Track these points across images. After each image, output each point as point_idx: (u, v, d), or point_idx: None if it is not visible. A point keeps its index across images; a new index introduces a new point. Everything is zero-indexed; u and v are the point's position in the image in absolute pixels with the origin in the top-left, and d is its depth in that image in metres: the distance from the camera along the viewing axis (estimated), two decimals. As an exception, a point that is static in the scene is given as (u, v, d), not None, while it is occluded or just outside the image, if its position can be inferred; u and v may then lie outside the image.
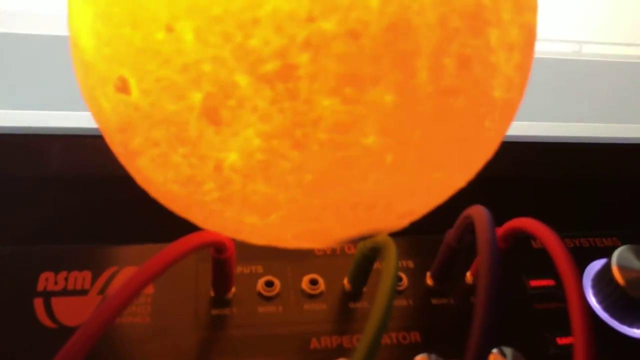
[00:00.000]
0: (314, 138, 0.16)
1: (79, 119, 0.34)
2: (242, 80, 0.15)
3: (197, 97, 0.16)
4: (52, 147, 0.32)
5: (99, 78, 0.18)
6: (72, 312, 0.27)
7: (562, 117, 0.46)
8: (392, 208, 0.19)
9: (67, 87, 0.32)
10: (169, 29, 0.16)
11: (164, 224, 0.24)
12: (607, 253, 0.33)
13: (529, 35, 0.19)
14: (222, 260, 0.26)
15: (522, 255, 0.33)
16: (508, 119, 0.21)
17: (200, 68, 0.15)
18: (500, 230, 0.27)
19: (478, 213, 0.23)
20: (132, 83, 0.17)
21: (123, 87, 0.17)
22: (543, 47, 0.45)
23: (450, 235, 0.29)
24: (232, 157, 0.17)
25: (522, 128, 0.44)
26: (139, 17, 0.16)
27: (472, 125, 0.18)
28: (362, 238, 0.21)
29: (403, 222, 0.21)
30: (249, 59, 0.15)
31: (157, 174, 0.19)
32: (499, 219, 0.26)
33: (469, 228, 0.25)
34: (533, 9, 0.19)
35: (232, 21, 0.15)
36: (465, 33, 0.16)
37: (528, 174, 0.41)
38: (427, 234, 0.31)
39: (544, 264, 0.31)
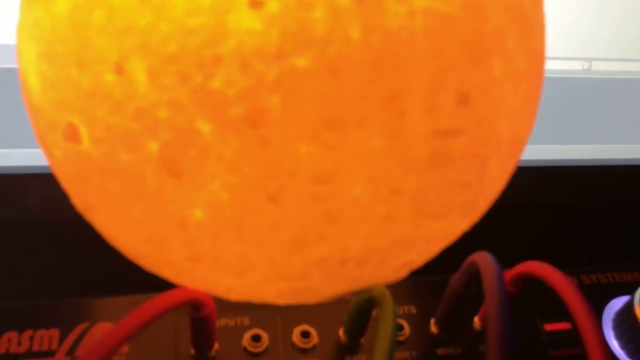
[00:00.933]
0: (291, 190, 0.14)
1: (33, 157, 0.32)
2: (204, 127, 0.13)
3: (153, 146, 0.14)
4: (16, 187, 0.30)
5: (48, 124, 0.16)
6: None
7: (572, 138, 0.44)
8: (387, 262, 0.17)
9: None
10: (119, 69, 0.14)
11: (140, 273, 0.22)
12: (628, 289, 0.31)
13: (537, 61, 0.17)
14: (201, 317, 0.24)
15: (535, 297, 0.31)
16: (515, 155, 0.19)
17: (155, 114, 0.13)
18: (509, 275, 0.25)
19: (484, 261, 0.21)
20: (82, 131, 0.15)
21: (72, 135, 0.15)
22: (549, 66, 0.43)
23: (455, 280, 0.27)
24: (198, 213, 0.15)
25: (529, 152, 0.43)
26: (86, 56, 0.14)
27: (475, 168, 0.16)
28: (355, 293, 0.19)
29: (400, 274, 0.19)
30: (211, 103, 0.13)
31: (117, 230, 0.17)
32: (507, 253, 0.24)
33: (475, 274, 0.23)
34: (541, 31, 0.18)
35: (190, 59, 0.13)
36: (464, 65, 0.15)
37: (536, 202, 0.39)
38: (429, 275, 0.29)
39: (559, 305, 0.29)
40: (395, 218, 0.16)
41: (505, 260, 0.24)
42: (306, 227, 0.15)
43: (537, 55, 0.18)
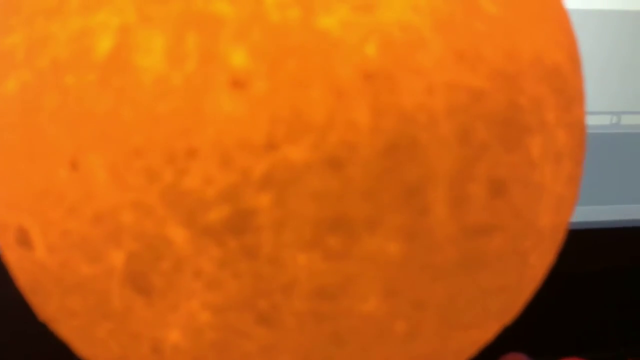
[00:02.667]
0: (287, 308, 0.12)
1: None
2: (178, 234, 0.11)
3: (117, 257, 0.12)
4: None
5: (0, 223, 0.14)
6: None
7: (603, 198, 0.42)
8: (409, 380, 0.15)
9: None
10: (74, 164, 0.12)
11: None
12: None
13: (579, 134, 0.15)
14: None
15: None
16: (557, 244, 0.16)
17: (118, 218, 0.11)
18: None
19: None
20: (35, 236, 0.13)
21: (24, 240, 0.13)
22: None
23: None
24: (174, 336, 0.12)
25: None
26: (36, 147, 0.12)
27: (513, 268, 0.14)
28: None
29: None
30: (185, 206, 0.11)
31: (82, 348, 0.15)
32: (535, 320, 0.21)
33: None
34: (581, 98, 0.15)
35: (159, 153, 0.11)
36: (497, 148, 0.12)
37: (564, 268, 0.37)
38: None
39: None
40: (419, 334, 0.13)
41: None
42: (308, 352, 0.13)
43: (579, 127, 0.15)
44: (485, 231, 0.13)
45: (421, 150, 0.12)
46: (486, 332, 0.16)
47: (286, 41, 0.11)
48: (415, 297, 0.13)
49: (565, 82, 0.14)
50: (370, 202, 0.12)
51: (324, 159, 0.11)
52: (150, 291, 0.12)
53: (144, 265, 0.12)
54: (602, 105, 0.41)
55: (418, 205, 0.12)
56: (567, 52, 0.15)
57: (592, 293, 0.36)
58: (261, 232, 0.11)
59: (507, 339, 0.21)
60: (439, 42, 0.12)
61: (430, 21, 0.12)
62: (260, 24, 0.11)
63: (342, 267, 0.12)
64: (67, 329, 0.15)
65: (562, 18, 0.15)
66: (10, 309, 0.27)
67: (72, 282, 0.13)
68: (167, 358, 0.13)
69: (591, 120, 0.42)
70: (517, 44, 0.13)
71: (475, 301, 0.13)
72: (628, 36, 0.40)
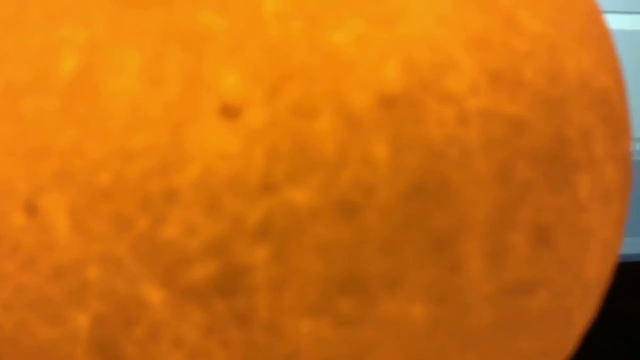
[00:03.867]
0: (288, 385, 0.10)
1: None
2: (154, 295, 0.10)
3: (82, 320, 0.10)
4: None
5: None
6: None
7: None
8: None
9: None
10: (30, 208, 0.10)
11: None
12: None
13: (627, 168, 0.13)
14: None
15: None
16: (600, 297, 0.14)
17: (82, 274, 0.10)
18: None
19: None
20: (-13, 290, 0.11)
21: (-25, 294, 0.11)
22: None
23: None
24: (152, 415, 0.10)
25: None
26: (-12, 186, 0.10)
27: (554, 328, 0.12)
28: None
29: None
30: (162, 260, 0.09)
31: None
32: None
33: None
34: (627, 126, 0.13)
35: (131, 195, 0.09)
36: (541, 188, 0.10)
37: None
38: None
39: None
40: (446, 410, 0.11)
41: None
42: None
43: (626, 161, 0.13)
44: (526, 288, 0.11)
45: (452, 193, 0.10)
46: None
47: (288, 60, 0.09)
48: (442, 368, 0.11)
49: (613, 109, 0.13)
50: (391, 257, 0.10)
51: (334, 203, 0.09)
52: (121, 362, 0.10)
53: (114, 330, 0.10)
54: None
55: (448, 259, 0.10)
56: (613, 75, 0.13)
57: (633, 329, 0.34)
58: (256, 293, 0.09)
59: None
60: (471, 62, 0.10)
61: (462, 37, 0.10)
62: (257, 40, 0.09)
63: (355, 336, 0.10)
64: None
65: (605, 37, 0.13)
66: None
67: (29, 347, 0.11)
68: None
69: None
70: (562, 65, 0.11)
71: (512, 370, 0.11)
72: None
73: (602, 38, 0.13)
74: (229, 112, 0.09)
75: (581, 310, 0.13)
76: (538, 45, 0.11)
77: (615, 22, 0.34)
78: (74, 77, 0.10)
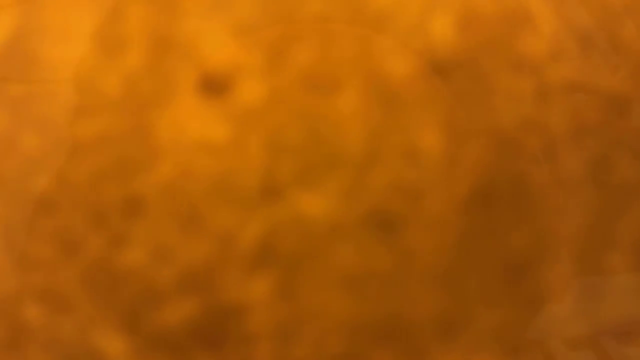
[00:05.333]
0: None
1: None
2: (113, 344, 0.08)
3: None
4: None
5: None
6: None
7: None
8: None
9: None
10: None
11: None
12: None
13: None
14: None
15: None
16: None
17: (18, 314, 0.08)
18: None
19: None
20: None
21: None
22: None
23: None
24: None
25: None
26: None
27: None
28: None
29: None
30: (123, 297, 0.07)
31: None
32: None
33: None
34: None
35: (79, 205, 0.07)
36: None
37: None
38: None
39: None
40: None
41: None
42: None
43: None
44: (631, 331, 0.08)
45: (532, 199, 0.07)
46: None
47: (297, 12, 0.07)
48: None
49: None
50: (447, 291, 0.07)
51: (365, 215, 0.07)
52: None
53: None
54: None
55: (527, 293, 0.07)
56: None
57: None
58: (254, 343, 0.07)
59: None
60: (551, 17, 0.07)
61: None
62: None
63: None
64: None
65: None
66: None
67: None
68: None
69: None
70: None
71: None
72: None
73: None
74: (213, 87, 0.07)
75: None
76: None
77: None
78: (4, 44, 0.07)
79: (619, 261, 0.08)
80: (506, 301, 0.08)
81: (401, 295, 0.07)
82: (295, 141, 0.07)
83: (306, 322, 0.07)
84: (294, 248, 0.07)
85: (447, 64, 0.07)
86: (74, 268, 0.08)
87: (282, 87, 0.07)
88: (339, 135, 0.07)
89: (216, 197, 0.07)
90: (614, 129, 0.08)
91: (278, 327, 0.07)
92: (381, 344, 0.07)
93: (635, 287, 0.08)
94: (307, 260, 0.07)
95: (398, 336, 0.07)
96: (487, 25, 0.08)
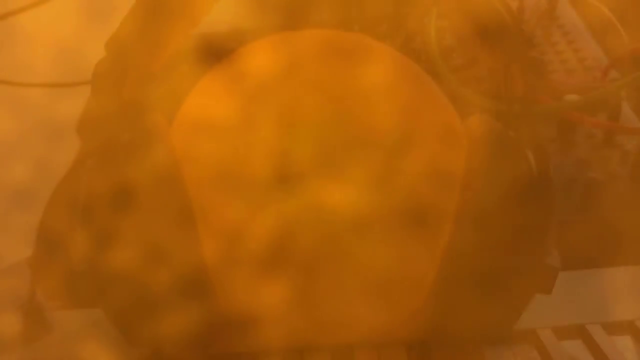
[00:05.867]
0: None
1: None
2: None
3: None
4: None
5: None
6: None
7: None
8: None
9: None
10: None
11: None
12: None
13: None
14: None
15: None
16: None
17: None
18: None
19: None
20: None
21: None
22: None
23: None
24: None
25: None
26: None
27: None
28: None
29: None
30: None
31: None
32: None
33: None
34: None
35: None
36: None
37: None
38: None
39: None
40: None
41: None
42: None
43: None
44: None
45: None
46: None
47: None
48: None
49: None
50: (491, 297, 0.06)
51: (397, 208, 0.06)
52: None
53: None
54: None
55: None
56: None
57: None
58: None
59: None
60: None
61: None
62: None
63: None
64: None
65: None
66: None
67: None
68: None
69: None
70: None
71: None
72: None
73: None
74: (217, 53, 0.06)
75: None
76: None
77: None
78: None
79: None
80: None
81: (440, 304, 0.06)
82: (314, 119, 0.06)
83: (327, 335, 0.06)
84: (313, 247, 0.06)
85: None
86: (54, 271, 0.07)
87: (298, 54, 0.06)
88: (366, 112, 0.06)
89: (221, 187, 0.06)
90: None
91: (294, 340, 0.06)
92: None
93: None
94: (328, 262, 0.06)
95: (436, 354, 0.06)
96: None
